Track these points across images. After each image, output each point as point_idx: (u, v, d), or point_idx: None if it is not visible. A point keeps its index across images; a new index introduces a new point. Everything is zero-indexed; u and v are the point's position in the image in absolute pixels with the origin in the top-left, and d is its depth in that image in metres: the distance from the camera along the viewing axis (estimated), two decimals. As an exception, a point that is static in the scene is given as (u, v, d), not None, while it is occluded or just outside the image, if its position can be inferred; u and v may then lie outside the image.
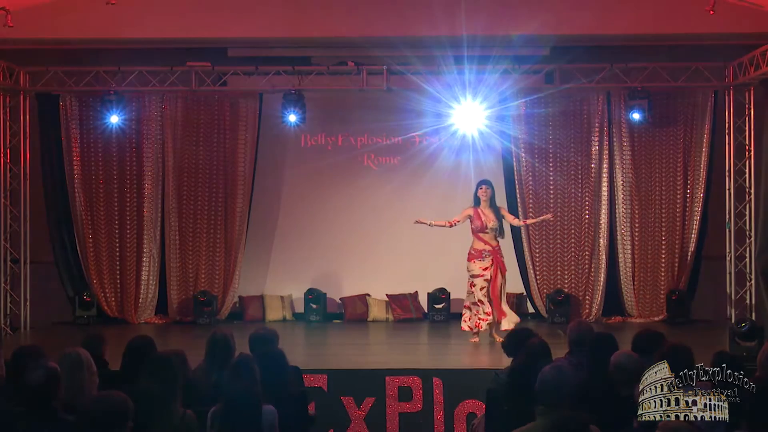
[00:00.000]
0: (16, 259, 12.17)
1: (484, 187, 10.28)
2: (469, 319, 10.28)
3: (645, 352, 5.58)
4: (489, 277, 10.13)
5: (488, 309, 10.10)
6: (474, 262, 10.19)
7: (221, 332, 6.26)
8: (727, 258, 12.16)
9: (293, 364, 6.25)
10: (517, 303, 12.72)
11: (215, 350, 6.10)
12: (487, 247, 10.17)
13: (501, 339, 9.91)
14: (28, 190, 12.23)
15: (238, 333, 6.58)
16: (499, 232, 10.28)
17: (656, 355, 5.17)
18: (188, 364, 5.77)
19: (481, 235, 10.20)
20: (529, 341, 5.99)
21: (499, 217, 10.26)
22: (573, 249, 12.55)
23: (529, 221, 11.19)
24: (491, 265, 10.15)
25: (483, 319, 10.13)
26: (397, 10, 11.38)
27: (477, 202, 10.29)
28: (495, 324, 10.21)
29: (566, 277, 12.57)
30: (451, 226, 10.27)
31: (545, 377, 4.72)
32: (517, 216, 11.50)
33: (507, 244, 12.52)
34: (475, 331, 10.28)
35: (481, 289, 10.13)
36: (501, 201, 12.41)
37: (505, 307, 10.28)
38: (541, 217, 10.92)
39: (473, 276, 10.19)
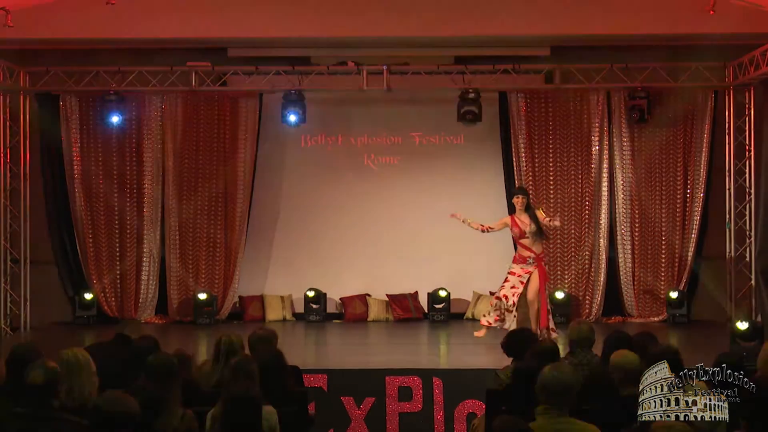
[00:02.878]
0: (16, 259, 12.17)
1: (520, 197, 10.12)
2: (489, 314, 10.14)
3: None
4: (525, 281, 9.96)
5: (510, 306, 9.93)
6: (517, 263, 10.09)
7: (228, 336, 6.21)
8: (727, 258, 12.16)
9: (293, 364, 6.24)
10: (517, 303, 12.72)
11: (221, 354, 6.08)
12: (531, 255, 10.00)
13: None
14: (28, 190, 12.24)
15: (237, 333, 6.56)
16: (540, 234, 10.02)
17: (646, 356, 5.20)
18: (192, 366, 5.77)
19: (522, 242, 10.06)
20: (537, 343, 6.00)
21: (536, 220, 9.97)
22: (573, 249, 12.56)
23: (555, 221, 10.43)
24: (534, 270, 9.98)
25: (503, 311, 9.95)
26: (397, 10, 11.39)
27: (512, 209, 10.25)
28: (537, 326, 9.94)
29: (566, 277, 12.57)
30: (483, 231, 10.11)
31: (545, 377, 4.71)
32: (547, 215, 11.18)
33: (507, 244, 12.56)
34: (487, 324, 10.13)
35: (512, 287, 9.98)
36: (501, 201, 12.51)
37: (550, 322, 10.08)
38: (555, 221, 10.42)
39: (509, 273, 10.08)
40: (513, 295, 9.95)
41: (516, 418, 4.43)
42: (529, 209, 10.10)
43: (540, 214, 10.08)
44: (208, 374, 6.03)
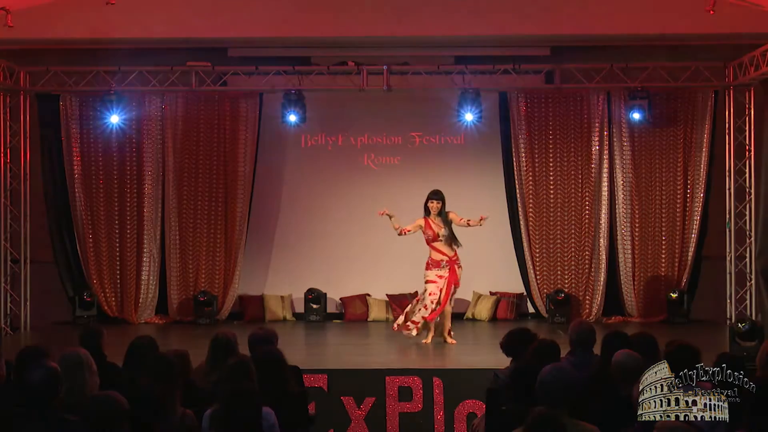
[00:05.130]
0: (16, 259, 12.17)
1: (434, 201, 10.23)
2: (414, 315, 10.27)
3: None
4: (442, 286, 10.14)
5: (427, 314, 10.14)
6: (431, 269, 10.24)
7: (223, 334, 6.25)
8: (727, 258, 12.16)
9: (293, 364, 6.25)
10: (517, 303, 12.74)
11: (217, 352, 6.10)
12: (444, 258, 10.19)
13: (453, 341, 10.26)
14: (28, 190, 12.24)
15: (238, 333, 6.58)
16: (453, 239, 10.23)
17: (663, 353, 5.19)
18: (190, 364, 5.78)
19: (435, 245, 10.22)
20: (537, 341, 5.99)
21: (448, 224, 10.20)
22: (573, 249, 12.55)
23: (472, 222, 10.25)
24: (448, 275, 10.16)
25: (415, 322, 10.19)
26: (397, 10, 11.39)
27: (427, 212, 10.30)
28: (440, 327, 10.26)
29: (566, 277, 12.56)
30: (400, 233, 10.29)
31: (545, 377, 4.71)
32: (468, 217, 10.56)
33: (507, 244, 12.60)
34: (409, 330, 10.29)
35: (430, 294, 10.16)
36: (501, 201, 12.54)
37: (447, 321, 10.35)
38: (481, 218, 10.26)
39: (427, 282, 10.22)
40: (432, 303, 10.14)
41: (553, 412, 4.39)
42: (442, 213, 10.23)
43: (454, 216, 10.23)
44: (205, 374, 6.04)
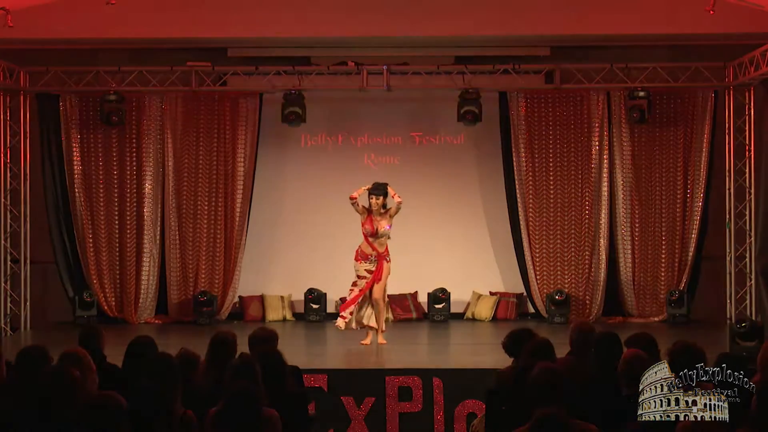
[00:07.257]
0: (16, 259, 12.17)
1: (373, 197, 10.04)
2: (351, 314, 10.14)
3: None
4: (371, 280, 10.03)
5: (352, 310, 10.04)
6: (360, 262, 10.09)
7: (223, 333, 6.24)
8: (727, 258, 12.15)
9: (293, 364, 6.24)
10: (517, 303, 12.74)
11: (216, 351, 6.09)
12: (374, 252, 10.04)
13: (384, 341, 10.10)
14: (28, 190, 12.24)
15: (238, 333, 6.56)
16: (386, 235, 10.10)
17: (666, 353, 5.18)
18: (197, 368, 5.76)
19: (370, 240, 10.04)
20: (532, 340, 5.98)
21: (390, 222, 10.05)
22: (573, 249, 12.55)
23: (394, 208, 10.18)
24: (375, 269, 10.04)
25: (343, 317, 10.06)
26: (397, 10, 11.39)
27: (370, 208, 10.11)
28: (377, 329, 10.14)
29: (566, 277, 12.56)
30: (351, 197, 10.05)
31: (533, 378, 4.69)
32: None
33: (507, 244, 12.59)
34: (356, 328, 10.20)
35: (360, 291, 10.05)
36: (501, 201, 12.53)
37: (385, 314, 10.21)
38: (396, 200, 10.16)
39: (358, 276, 10.09)
40: (358, 297, 10.00)
41: (558, 412, 4.37)
42: (386, 207, 10.04)
43: (393, 210, 10.02)
44: (204, 374, 6.03)
